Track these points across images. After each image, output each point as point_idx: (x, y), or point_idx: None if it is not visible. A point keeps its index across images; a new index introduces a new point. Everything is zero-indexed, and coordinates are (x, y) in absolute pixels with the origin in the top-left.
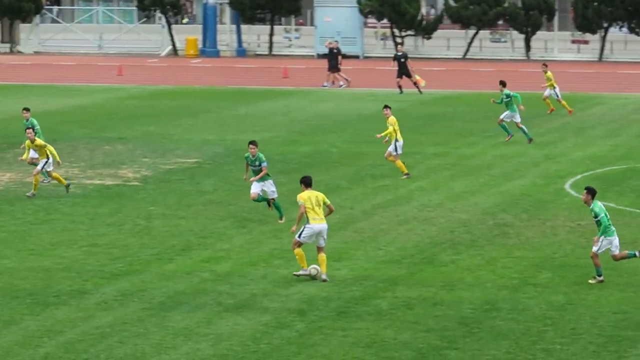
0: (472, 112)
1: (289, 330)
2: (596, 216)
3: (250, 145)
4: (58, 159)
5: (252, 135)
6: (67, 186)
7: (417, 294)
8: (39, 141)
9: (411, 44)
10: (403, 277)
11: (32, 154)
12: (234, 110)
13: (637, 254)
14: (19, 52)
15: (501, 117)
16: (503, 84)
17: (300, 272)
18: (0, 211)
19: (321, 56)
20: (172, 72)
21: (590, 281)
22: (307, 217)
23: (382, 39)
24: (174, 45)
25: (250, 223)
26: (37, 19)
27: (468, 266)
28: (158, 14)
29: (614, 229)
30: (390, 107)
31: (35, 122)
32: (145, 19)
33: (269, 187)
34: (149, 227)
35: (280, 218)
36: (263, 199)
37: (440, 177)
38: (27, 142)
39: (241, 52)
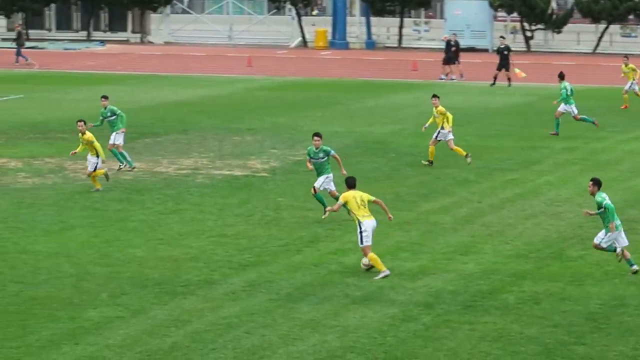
0: (601, 107)
1: (415, 323)
2: (599, 207)
3: (315, 137)
4: (104, 156)
5: (380, 127)
6: (98, 190)
7: (544, 289)
8: (89, 135)
9: (541, 37)
10: (530, 272)
11: (113, 139)
12: (363, 103)
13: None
14: (149, 42)
15: (573, 115)
16: (562, 76)
17: (381, 275)
18: (130, 201)
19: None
20: (301, 64)
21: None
22: (357, 216)
23: (511, 33)
24: (303, 36)
25: (377, 215)
26: (167, 9)
27: (597, 261)
28: (288, 6)
29: (619, 222)
30: (438, 97)
31: (115, 108)
32: (275, 11)
33: (324, 180)
34: (277, 218)
35: (324, 212)
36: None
37: (569, 171)
38: (80, 135)
39: (370, 45)
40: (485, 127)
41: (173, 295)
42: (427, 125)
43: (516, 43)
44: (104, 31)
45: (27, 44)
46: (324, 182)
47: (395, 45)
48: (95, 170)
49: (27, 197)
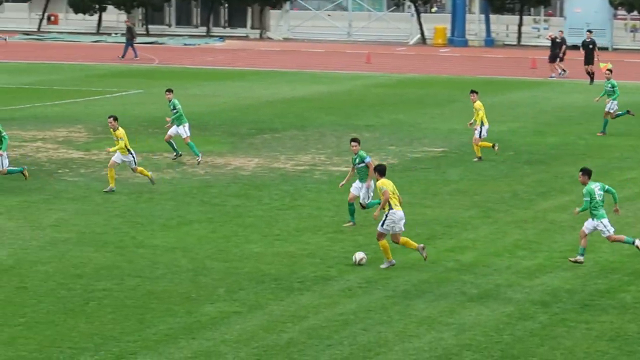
0: None
1: (532, 322)
2: (584, 196)
3: (352, 143)
4: (116, 150)
5: (499, 125)
6: (110, 190)
7: None
8: (121, 131)
9: None
10: None
11: (175, 131)
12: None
13: (635, 242)
14: (268, 38)
15: (607, 109)
16: (611, 71)
17: (385, 265)
18: (248, 196)
19: (568, 47)
20: (420, 61)
21: (570, 259)
22: (390, 204)
23: (631, 31)
24: (422, 33)
25: (495, 213)
26: (287, 5)
27: None
28: (407, 3)
29: (603, 212)
30: (477, 92)
31: (177, 102)
32: (394, 7)
33: (365, 192)
34: None
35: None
36: (372, 203)
37: None
38: (112, 130)
39: (489, 42)
40: None
41: (289, 291)
42: (472, 121)
43: (636, 42)
44: (224, 27)
45: (147, 39)
46: (365, 193)
47: (515, 43)
48: (136, 165)
49: (146, 192)
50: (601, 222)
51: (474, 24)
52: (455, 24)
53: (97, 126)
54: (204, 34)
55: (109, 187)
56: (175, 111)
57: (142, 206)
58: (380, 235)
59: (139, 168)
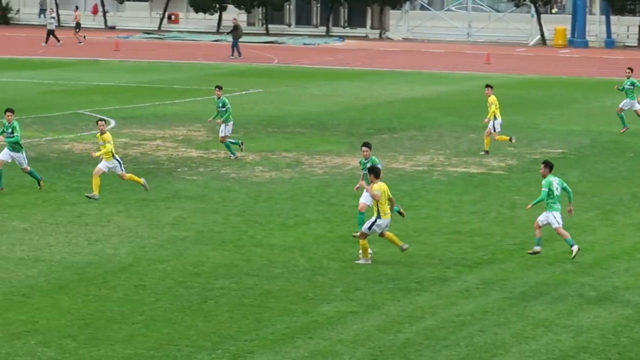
0: None
1: None
2: (542, 187)
3: (363, 148)
4: (108, 159)
5: (618, 127)
6: (93, 198)
7: None
8: (108, 135)
9: None
10: None
11: (223, 131)
12: (601, 102)
13: (572, 248)
14: (387, 38)
15: (620, 105)
16: (632, 70)
17: (361, 261)
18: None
19: None
20: (540, 62)
21: (528, 251)
22: (379, 211)
23: None
24: (542, 34)
25: (614, 215)
26: (406, 5)
27: None
28: (527, 3)
29: (558, 206)
30: (492, 87)
31: (225, 100)
32: (514, 8)
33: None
34: (512, 216)
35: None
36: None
37: None
38: (98, 134)
39: (610, 44)
40: None
41: (406, 291)
42: (488, 119)
43: None
44: (343, 27)
45: (267, 38)
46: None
47: (635, 44)
48: (124, 171)
49: (264, 191)
50: (552, 214)
51: (595, 25)
52: (576, 25)
53: (217, 125)
54: (324, 33)
55: (92, 193)
56: (224, 109)
57: (260, 205)
58: (364, 235)
59: (128, 175)
